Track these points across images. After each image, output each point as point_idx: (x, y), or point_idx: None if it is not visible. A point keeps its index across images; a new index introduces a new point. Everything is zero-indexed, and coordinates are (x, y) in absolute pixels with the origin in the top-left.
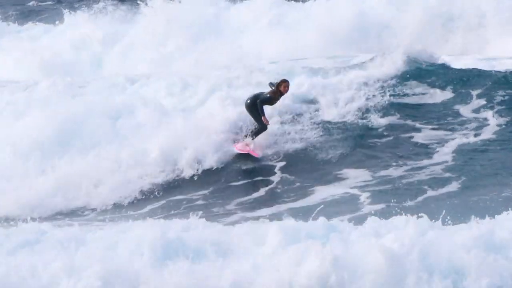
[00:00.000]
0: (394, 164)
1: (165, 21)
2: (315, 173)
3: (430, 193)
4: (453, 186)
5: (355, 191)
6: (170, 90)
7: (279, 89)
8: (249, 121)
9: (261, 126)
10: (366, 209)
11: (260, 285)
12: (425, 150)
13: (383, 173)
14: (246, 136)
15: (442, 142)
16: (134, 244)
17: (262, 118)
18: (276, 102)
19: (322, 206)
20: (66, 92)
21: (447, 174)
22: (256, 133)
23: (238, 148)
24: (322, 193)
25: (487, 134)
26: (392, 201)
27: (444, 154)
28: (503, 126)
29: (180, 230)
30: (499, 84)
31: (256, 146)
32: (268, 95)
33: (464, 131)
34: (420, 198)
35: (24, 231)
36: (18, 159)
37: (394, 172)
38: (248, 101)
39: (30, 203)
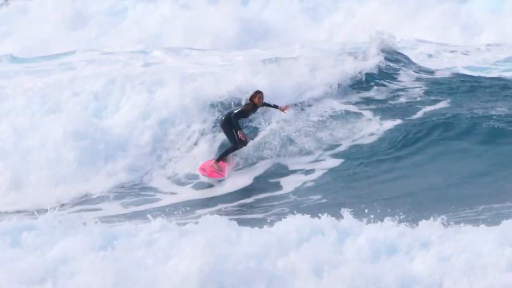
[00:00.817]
0: None
1: None
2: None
3: None
4: None
5: None
6: None
7: (253, 101)
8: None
9: (234, 145)
10: None
11: None
12: None
13: None
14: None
15: None
16: None
17: (239, 132)
18: (250, 114)
19: None
20: None
21: None
22: (226, 153)
23: (204, 168)
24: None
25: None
26: None
27: None
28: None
29: None
30: None
31: (223, 165)
32: (240, 109)
33: None
34: None
35: None
36: None
37: None
38: (223, 118)
39: None
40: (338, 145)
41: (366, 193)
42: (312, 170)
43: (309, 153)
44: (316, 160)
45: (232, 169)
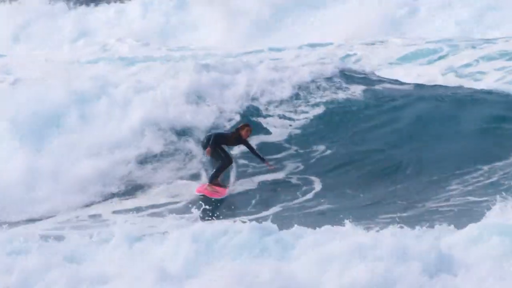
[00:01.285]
0: None
1: None
2: None
3: None
4: None
5: None
6: None
7: (240, 132)
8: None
9: (223, 163)
10: None
11: None
12: None
13: None
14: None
15: None
16: None
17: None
18: (232, 143)
19: None
20: None
21: None
22: (216, 173)
23: (200, 191)
24: None
25: None
26: None
27: None
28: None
29: None
30: None
31: (222, 184)
32: (224, 132)
33: None
34: None
35: None
36: None
37: None
38: (204, 141)
39: None
40: None
41: None
42: None
43: None
44: None
45: (231, 187)
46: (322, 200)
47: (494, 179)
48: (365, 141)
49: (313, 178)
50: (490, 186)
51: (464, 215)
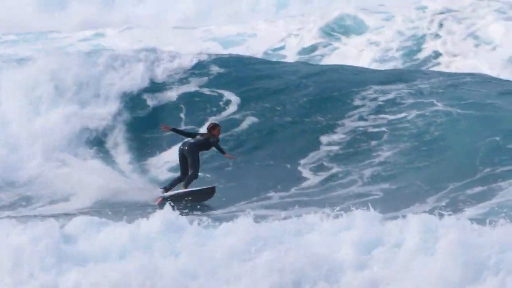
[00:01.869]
0: None
1: None
2: None
3: None
4: None
5: None
6: None
7: (213, 132)
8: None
9: (196, 173)
10: None
11: None
12: None
13: None
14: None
15: None
16: None
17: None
18: (211, 147)
19: None
20: None
21: None
22: (188, 182)
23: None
24: None
25: None
26: None
27: None
28: None
29: None
30: None
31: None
32: (203, 138)
33: None
34: None
35: None
36: None
37: None
38: (186, 147)
39: None
40: None
41: None
42: None
43: None
44: None
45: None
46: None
47: None
48: None
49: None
50: None
51: None
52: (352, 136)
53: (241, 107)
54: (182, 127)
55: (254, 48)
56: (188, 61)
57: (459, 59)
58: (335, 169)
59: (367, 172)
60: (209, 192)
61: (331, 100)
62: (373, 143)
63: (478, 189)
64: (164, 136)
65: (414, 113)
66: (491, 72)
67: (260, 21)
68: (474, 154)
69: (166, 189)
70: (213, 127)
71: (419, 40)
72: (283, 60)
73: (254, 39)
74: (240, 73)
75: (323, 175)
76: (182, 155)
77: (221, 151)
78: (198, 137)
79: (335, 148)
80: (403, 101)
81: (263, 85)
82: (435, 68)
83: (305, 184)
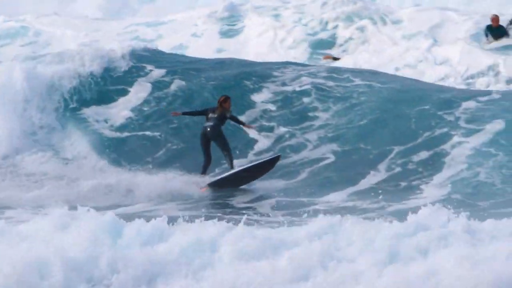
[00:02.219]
0: None
1: None
2: None
3: None
4: None
5: None
6: None
7: (224, 106)
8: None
9: (230, 153)
10: None
11: None
12: None
13: None
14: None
15: None
16: None
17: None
18: (225, 122)
19: None
20: None
21: None
22: (232, 163)
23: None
24: None
25: None
26: None
27: None
28: None
29: None
30: None
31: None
32: (218, 116)
33: None
34: None
35: None
36: None
37: None
38: (208, 129)
39: None
40: None
41: None
42: None
43: None
44: None
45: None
46: None
47: None
48: None
49: None
50: None
51: None
52: (283, 96)
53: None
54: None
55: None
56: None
57: None
58: (278, 131)
59: (313, 135)
60: (274, 162)
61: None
62: (306, 102)
63: (424, 153)
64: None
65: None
66: None
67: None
68: (409, 120)
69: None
70: (224, 100)
71: None
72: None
73: None
74: None
75: (272, 136)
76: (205, 139)
77: (240, 122)
78: (211, 115)
79: (269, 107)
80: None
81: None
82: None
83: (257, 147)
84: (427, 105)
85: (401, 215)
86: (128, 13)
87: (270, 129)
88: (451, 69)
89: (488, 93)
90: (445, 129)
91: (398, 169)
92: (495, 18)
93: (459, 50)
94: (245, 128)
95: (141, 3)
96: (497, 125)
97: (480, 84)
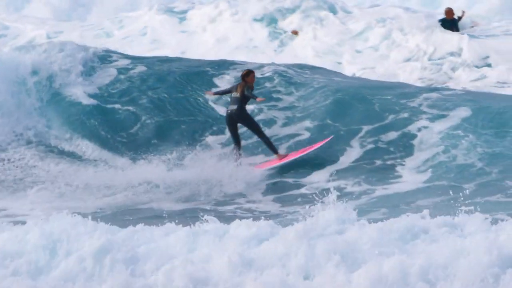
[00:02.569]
0: None
1: None
2: None
3: None
4: None
5: None
6: None
7: (246, 79)
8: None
9: (263, 134)
10: None
11: None
12: None
13: None
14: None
15: None
16: None
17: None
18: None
19: None
20: None
21: None
22: (272, 146)
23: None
24: None
25: None
26: None
27: None
28: None
29: None
30: None
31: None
32: (240, 96)
33: None
34: None
35: None
36: None
37: None
38: (235, 111)
39: None
40: None
41: None
42: None
43: None
44: None
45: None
46: None
47: None
48: None
49: None
50: None
51: None
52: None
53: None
54: None
55: None
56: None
57: None
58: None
59: (281, 114)
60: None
61: None
62: (269, 86)
63: (392, 134)
64: None
65: None
66: None
67: None
68: (372, 104)
69: (238, 160)
70: (247, 74)
71: None
72: None
73: None
74: None
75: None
76: (231, 123)
77: (254, 97)
78: (234, 94)
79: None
80: None
81: None
82: None
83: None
84: (388, 95)
85: (388, 202)
86: (79, 17)
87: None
88: (417, 50)
89: (450, 89)
90: (409, 114)
91: (370, 146)
92: (449, 11)
93: (424, 35)
94: (257, 101)
95: (90, 7)
96: (461, 112)
97: (446, 67)
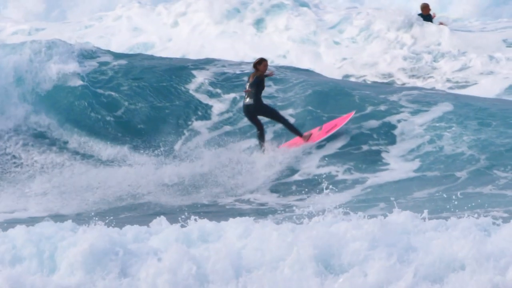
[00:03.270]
0: None
1: None
2: None
3: None
4: None
5: None
6: None
7: (258, 67)
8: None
9: (284, 118)
10: None
11: None
12: None
13: None
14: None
15: None
16: None
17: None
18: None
19: None
20: None
21: None
22: (294, 129)
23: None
24: None
25: None
26: None
27: None
28: None
29: None
30: None
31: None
32: (254, 87)
33: None
34: None
35: None
36: None
37: None
38: (252, 103)
39: None
40: None
41: None
42: None
43: None
44: None
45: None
46: None
47: None
48: None
49: None
50: None
51: None
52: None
53: None
54: None
55: None
56: None
57: None
58: (228, 96)
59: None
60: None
61: None
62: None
63: (373, 122)
64: None
65: None
66: None
67: None
68: (351, 96)
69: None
70: (259, 62)
71: None
72: None
73: None
74: None
75: (224, 101)
76: (249, 115)
77: (263, 80)
78: (247, 86)
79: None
80: None
81: None
82: None
83: (215, 110)
84: (366, 90)
85: (382, 190)
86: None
87: (218, 96)
88: (396, 41)
89: (431, 88)
90: (389, 106)
91: (355, 131)
92: (426, 7)
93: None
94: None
95: (65, 10)
96: (443, 107)
97: (429, 58)
